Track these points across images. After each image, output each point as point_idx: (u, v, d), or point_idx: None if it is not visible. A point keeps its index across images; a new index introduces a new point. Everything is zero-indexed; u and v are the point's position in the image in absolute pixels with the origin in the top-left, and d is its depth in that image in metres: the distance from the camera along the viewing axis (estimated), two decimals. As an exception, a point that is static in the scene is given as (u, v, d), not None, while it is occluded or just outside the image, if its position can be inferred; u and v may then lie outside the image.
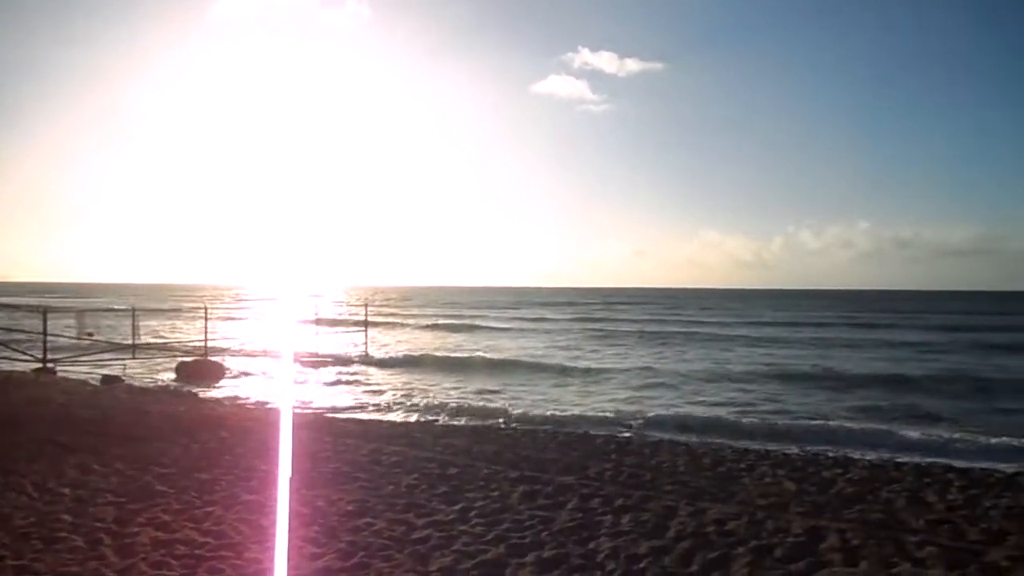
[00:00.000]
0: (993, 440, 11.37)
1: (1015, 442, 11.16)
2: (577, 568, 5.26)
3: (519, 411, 13.67)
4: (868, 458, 9.92)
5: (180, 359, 20.58)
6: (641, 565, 5.34)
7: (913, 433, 11.90)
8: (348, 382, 18.06)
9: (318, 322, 25.97)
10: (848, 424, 12.73)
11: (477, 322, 42.15)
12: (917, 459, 9.91)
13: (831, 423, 12.78)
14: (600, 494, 7.41)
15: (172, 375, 19.26)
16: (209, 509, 6.56)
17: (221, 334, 26.42)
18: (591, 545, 5.79)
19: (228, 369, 20.18)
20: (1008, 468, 9.39)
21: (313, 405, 14.25)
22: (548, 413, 13.66)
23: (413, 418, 12.89)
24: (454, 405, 14.29)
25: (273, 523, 6.01)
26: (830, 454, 10.15)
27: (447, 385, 17.44)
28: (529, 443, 10.37)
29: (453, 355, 23.37)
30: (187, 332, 27.33)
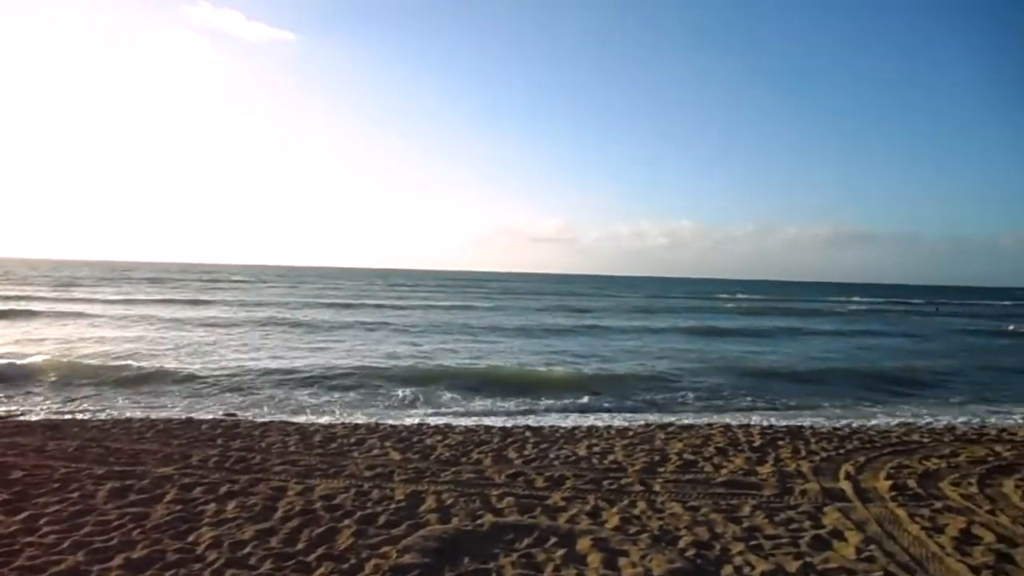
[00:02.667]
0: (565, 401, 13.76)
1: (576, 399, 13.67)
2: (174, 564, 4.91)
3: (104, 402, 12.07)
4: (464, 423, 11.11)
5: None
6: (246, 550, 5.22)
7: (508, 402, 13.70)
8: None
9: None
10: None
11: (34, 306, 34.49)
12: (502, 422, 11.41)
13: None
14: (204, 482, 7.00)
15: None
16: None
17: None
18: (191, 537, 5.45)
19: None
20: (568, 423, 11.42)
21: None
22: (139, 405, 12.34)
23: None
24: (18, 398, 12.02)
25: None
26: (431, 422, 11.11)
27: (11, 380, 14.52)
28: (122, 435, 9.23)
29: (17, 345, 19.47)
30: None
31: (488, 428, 10.62)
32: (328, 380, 15.28)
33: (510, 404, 13.47)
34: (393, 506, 6.45)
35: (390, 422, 10.99)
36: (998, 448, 9.46)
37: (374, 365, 17.70)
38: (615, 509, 6.52)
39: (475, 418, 11.89)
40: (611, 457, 8.68)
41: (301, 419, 11.15)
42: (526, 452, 8.88)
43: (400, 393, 14.16)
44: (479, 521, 6.01)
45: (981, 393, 16.41)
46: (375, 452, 8.66)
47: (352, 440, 9.30)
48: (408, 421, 11.21)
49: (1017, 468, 8.33)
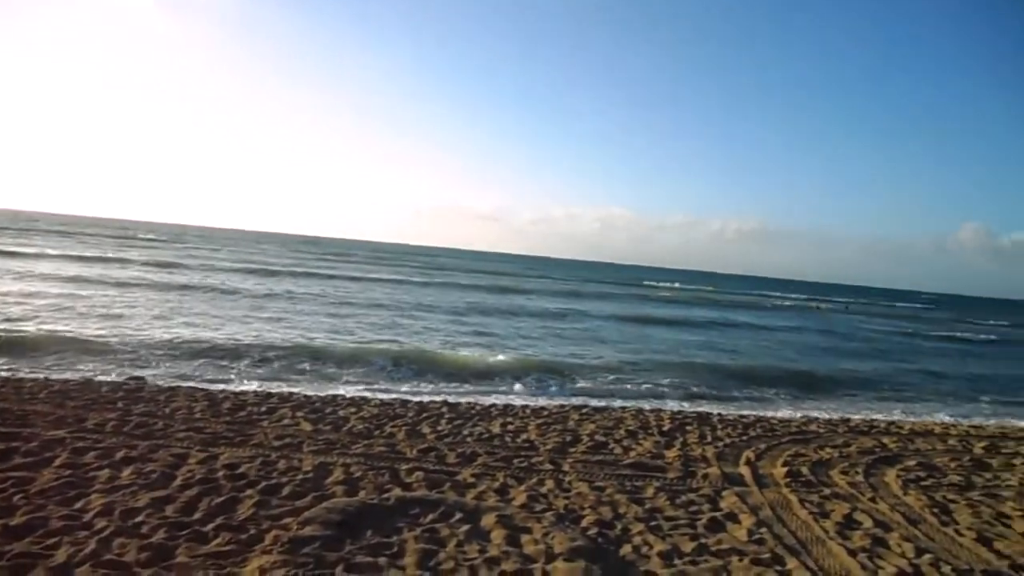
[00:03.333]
0: (486, 379, 13.86)
1: (497, 378, 13.78)
2: (57, 531, 4.70)
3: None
4: (380, 397, 11.02)
5: None
6: (139, 519, 5.04)
7: (428, 379, 13.67)
8: None
9: None
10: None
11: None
12: (420, 397, 11.38)
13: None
14: (99, 447, 6.70)
15: None
16: None
17: None
18: (79, 504, 5.22)
19: None
20: (487, 400, 11.50)
21: None
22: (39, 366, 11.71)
23: None
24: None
25: None
26: (347, 395, 10.97)
27: None
28: (11, 394, 8.71)
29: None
30: None
31: (404, 403, 10.54)
32: (245, 349, 14.83)
33: (431, 381, 13.45)
34: (299, 477, 6.34)
35: (304, 393, 10.79)
36: (885, 440, 10.06)
37: (295, 337, 17.31)
38: (523, 487, 6.60)
39: (392, 393, 11.80)
40: (524, 436, 8.78)
41: (211, 386, 10.81)
42: (440, 428, 8.88)
43: (319, 367, 13.91)
44: (386, 495, 5.98)
45: (875, 389, 17.43)
46: (285, 422, 8.49)
47: (263, 409, 9.08)
48: (323, 393, 11.03)
49: (900, 459, 8.88)
